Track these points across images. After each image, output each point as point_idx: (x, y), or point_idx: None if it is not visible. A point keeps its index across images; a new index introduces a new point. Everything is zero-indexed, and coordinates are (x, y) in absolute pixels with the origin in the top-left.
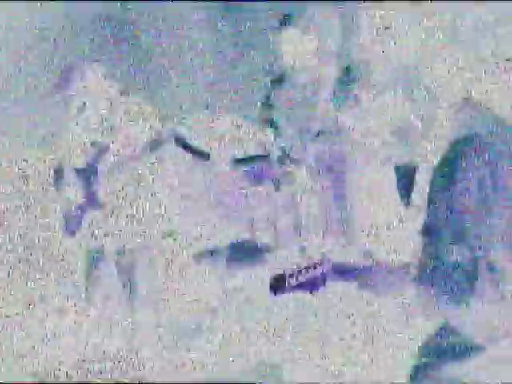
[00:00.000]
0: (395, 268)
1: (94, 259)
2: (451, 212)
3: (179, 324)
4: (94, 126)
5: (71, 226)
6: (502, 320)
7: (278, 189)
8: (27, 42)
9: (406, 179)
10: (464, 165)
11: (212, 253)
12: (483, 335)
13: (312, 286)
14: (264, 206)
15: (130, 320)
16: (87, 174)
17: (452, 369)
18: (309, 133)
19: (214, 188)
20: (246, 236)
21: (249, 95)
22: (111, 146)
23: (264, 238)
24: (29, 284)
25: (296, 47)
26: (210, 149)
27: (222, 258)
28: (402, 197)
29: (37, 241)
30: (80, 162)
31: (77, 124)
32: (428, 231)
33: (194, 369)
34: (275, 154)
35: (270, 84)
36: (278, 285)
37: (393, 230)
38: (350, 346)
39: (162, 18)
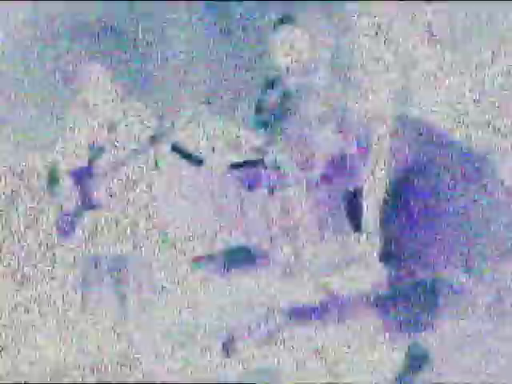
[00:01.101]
0: (356, 298)
1: (89, 263)
2: (405, 234)
3: (175, 328)
4: (93, 126)
5: (65, 228)
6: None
7: (271, 193)
8: (27, 42)
9: (352, 205)
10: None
11: (207, 258)
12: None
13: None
14: (258, 211)
15: (124, 324)
16: (83, 176)
17: None
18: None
19: (209, 193)
20: (240, 241)
21: (243, 99)
22: (107, 147)
23: (258, 243)
24: (25, 285)
25: (288, 50)
26: (203, 154)
27: (218, 263)
28: (351, 223)
29: (32, 243)
30: (75, 164)
31: (75, 125)
32: (386, 256)
33: (190, 374)
34: (269, 158)
35: (262, 88)
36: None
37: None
38: None
39: (157, 21)
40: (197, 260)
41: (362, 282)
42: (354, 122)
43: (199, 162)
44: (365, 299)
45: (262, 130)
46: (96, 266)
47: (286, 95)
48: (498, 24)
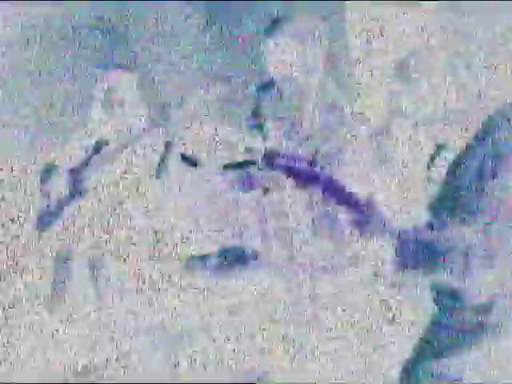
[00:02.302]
0: None
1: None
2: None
3: (166, 329)
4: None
5: (45, 222)
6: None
7: (266, 194)
8: (25, 44)
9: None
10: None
11: (201, 258)
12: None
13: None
14: (252, 212)
15: (106, 325)
16: (79, 167)
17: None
18: (296, 139)
19: (203, 193)
20: (234, 241)
21: (238, 101)
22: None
23: (252, 244)
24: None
25: (281, 55)
26: (198, 155)
27: (211, 264)
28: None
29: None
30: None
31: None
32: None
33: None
34: (263, 160)
35: (257, 90)
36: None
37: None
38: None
39: (152, 26)
40: (190, 259)
41: None
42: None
43: (194, 163)
44: None
45: (257, 132)
46: (74, 263)
47: (280, 97)
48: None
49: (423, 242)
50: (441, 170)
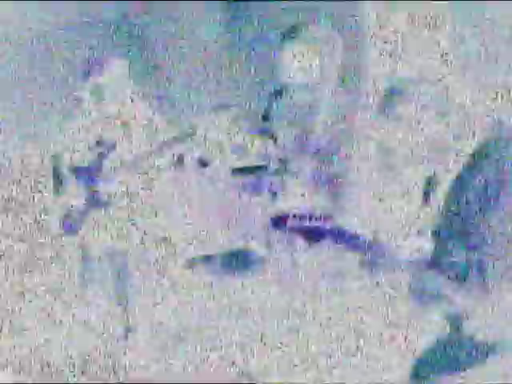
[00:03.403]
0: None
1: (88, 259)
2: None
3: (169, 329)
4: (103, 122)
5: (70, 225)
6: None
7: (274, 200)
8: (34, 40)
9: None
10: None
11: (205, 260)
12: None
13: (313, 235)
14: (259, 216)
15: (120, 322)
16: (89, 172)
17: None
18: (307, 146)
19: (211, 195)
20: (239, 245)
21: (250, 105)
22: (117, 145)
23: (257, 248)
24: (25, 280)
25: (296, 62)
26: (209, 156)
27: (215, 266)
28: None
29: (34, 238)
30: (81, 160)
31: (84, 118)
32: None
33: (182, 373)
34: (273, 165)
35: (270, 96)
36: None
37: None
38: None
39: (168, 27)
40: (193, 261)
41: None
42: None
43: (204, 163)
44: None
45: (267, 138)
46: (95, 263)
47: (292, 106)
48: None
49: (432, 271)
50: (438, 199)
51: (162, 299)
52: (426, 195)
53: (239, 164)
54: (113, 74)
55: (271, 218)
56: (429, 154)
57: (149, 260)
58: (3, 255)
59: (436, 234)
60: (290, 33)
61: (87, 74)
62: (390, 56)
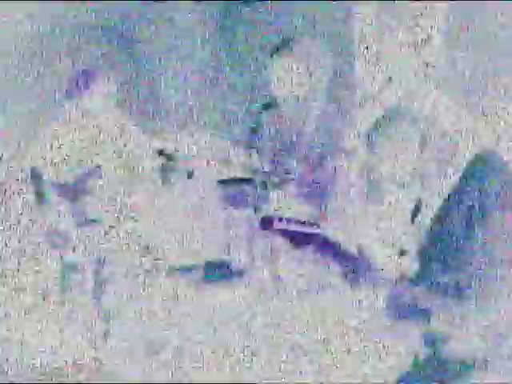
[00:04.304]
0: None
1: (71, 270)
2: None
3: (149, 339)
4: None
5: (56, 240)
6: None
7: (257, 212)
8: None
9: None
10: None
11: (186, 270)
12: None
13: (298, 239)
14: (242, 228)
15: (101, 331)
16: (73, 191)
17: None
18: (292, 159)
19: (195, 206)
20: (221, 256)
21: (238, 117)
22: (100, 168)
23: (239, 260)
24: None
25: (285, 75)
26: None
27: (196, 276)
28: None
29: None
30: (59, 176)
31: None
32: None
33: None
34: (258, 178)
35: (258, 109)
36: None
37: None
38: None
39: (158, 35)
40: (174, 269)
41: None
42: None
43: (189, 174)
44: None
45: (254, 151)
46: (77, 274)
47: (280, 118)
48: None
49: (413, 292)
50: (424, 222)
51: (142, 308)
52: (413, 216)
53: (224, 176)
54: (99, 93)
55: (261, 218)
56: (413, 179)
57: (131, 268)
58: None
59: (421, 253)
60: (279, 46)
61: (73, 93)
62: (378, 71)
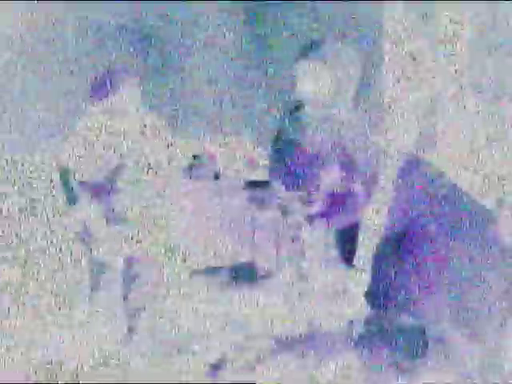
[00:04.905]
0: (337, 334)
1: (100, 268)
2: (398, 277)
3: (171, 338)
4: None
5: (86, 238)
6: None
7: (284, 216)
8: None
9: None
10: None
11: (210, 272)
12: None
13: None
14: (268, 231)
15: (125, 328)
16: (103, 189)
17: None
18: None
19: (222, 207)
20: (246, 258)
21: (266, 121)
22: (128, 163)
23: (264, 263)
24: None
25: (312, 81)
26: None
27: (221, 278)
28: (344, 258)
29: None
30: (88, 174)
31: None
32: (372, 295)
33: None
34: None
35: (284, 114)
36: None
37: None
38: None
39: (187, 39)
40: (200, 270)
41: (342, 317)
42: (363, 160)
43: (215, 175)
44: (344, 337)
45: (277, 158)
46: (106, 272)
47: (304, 126)
48: None
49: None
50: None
51: (168, 307)
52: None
53: (251, 177)
54: (124, 96)
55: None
56: None
57: (157, 268)
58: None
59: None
60: (306, 49)
61: (98, 96)
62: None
